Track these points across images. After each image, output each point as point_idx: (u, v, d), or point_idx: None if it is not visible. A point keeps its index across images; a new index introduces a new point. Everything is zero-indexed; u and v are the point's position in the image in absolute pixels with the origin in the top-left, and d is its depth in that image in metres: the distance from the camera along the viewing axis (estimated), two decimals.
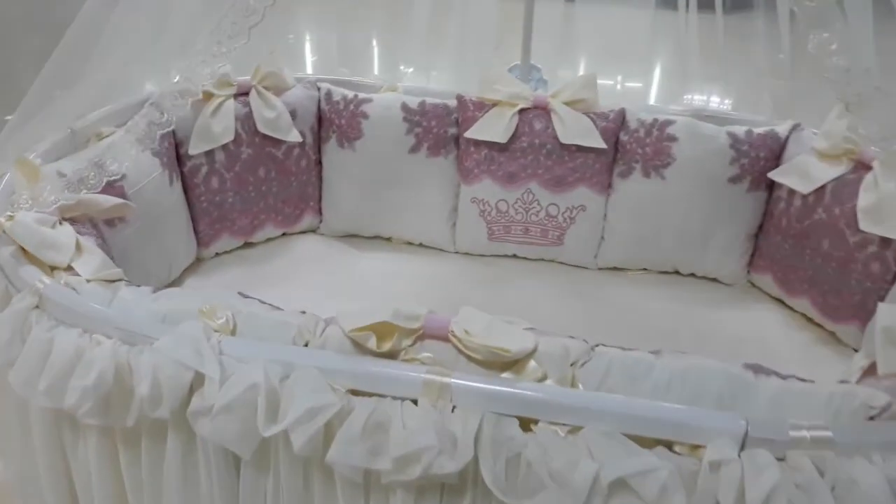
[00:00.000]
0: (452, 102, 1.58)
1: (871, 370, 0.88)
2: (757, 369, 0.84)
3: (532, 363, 0.82)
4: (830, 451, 0.74)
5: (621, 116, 1.53)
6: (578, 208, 1.56)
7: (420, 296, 1.53)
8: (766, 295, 1.56)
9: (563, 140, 1.50)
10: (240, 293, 0.93)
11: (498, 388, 0.78)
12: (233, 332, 0.85)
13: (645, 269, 1.63)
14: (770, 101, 1.49)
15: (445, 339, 0.84)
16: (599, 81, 1.57)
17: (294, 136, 1.57)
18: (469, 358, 0.83)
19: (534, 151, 1.53)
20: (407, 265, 1.64)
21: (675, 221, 1.54)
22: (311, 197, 1.67)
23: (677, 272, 1.62)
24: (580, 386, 0.83)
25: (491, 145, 1.54)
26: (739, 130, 1.48)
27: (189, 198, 1.49)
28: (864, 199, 1.29)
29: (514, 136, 1.53)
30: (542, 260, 1.65)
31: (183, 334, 0.80)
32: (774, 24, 1.33)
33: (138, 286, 0.95)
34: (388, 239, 1.70)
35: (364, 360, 0.81)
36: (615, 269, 1.64)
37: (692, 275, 1.62)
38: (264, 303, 0.92)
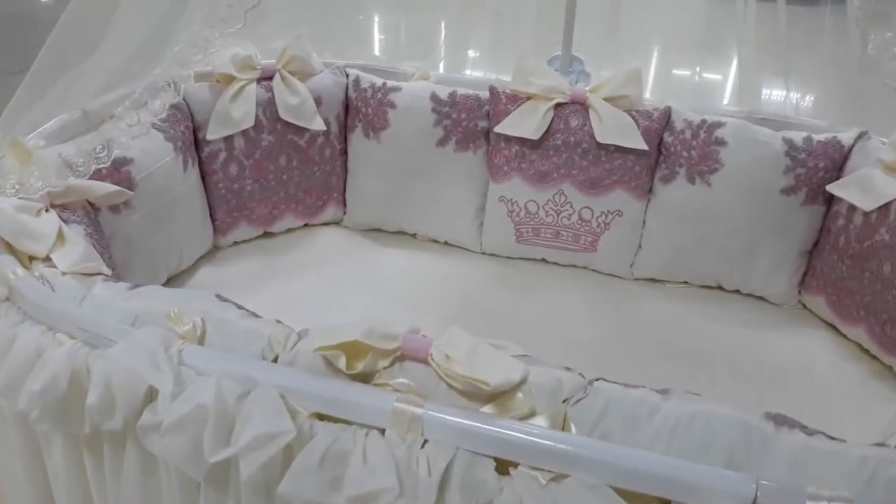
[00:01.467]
0: (485, 94, 1.49)
1: None
2: (779, 420, 0.73)
3: (519, 395, 0.73)
4: None
5: (666, 116, 1.40)
6: (614, 213, 1.45)
7: (441, 298, 1.45)
8: (818, 319, 1.42)
9: (601, 139, 1.39)
10: (217, 296, 0.87)
11: (474, 423, 0.70)
12: (200, 340, 0.79)
13: (685, 283, 1.50)
14: (836, 104, 1.33)
15: (426, 362, 0.76)
16: (675, 72, 1.45)
17: (318, 125, 1.50)
18: (450, 385, 0.75)
19: (568, 150, 1.42)
20: (430, 264, 1.56)
21: (721, 233, 1.41)
22: (335, 188, 1.61)
23: (720, 287, 1.49)
24: (572, 426, 0.74)
25: (522, 142, 1.44)
26: (797, 137, 1.34)
27: (206, 184, 1.45)
28: None
29: (548, 133, 1.42)
30: (574, 266, 1.55)
31: (140, 341, 0.74)
32: (843, 18, 1.18)
33: (117, 281, 0.90)
34: (413, 235, 1.63)
35: (329, 383, 0.73)
36: (652, 280, 1.52)
37: (737, 291, 1.49)
38: (241, 308, 0.85)
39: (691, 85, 1.65)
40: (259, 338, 0.79)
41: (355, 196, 1.61)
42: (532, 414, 0.73)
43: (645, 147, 1.38)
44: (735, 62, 1.59)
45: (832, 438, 0.72)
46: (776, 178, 1.34)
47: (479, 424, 0.69)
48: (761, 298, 1.47)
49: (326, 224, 1.65)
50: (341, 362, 0.74)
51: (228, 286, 1.44)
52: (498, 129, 1.44)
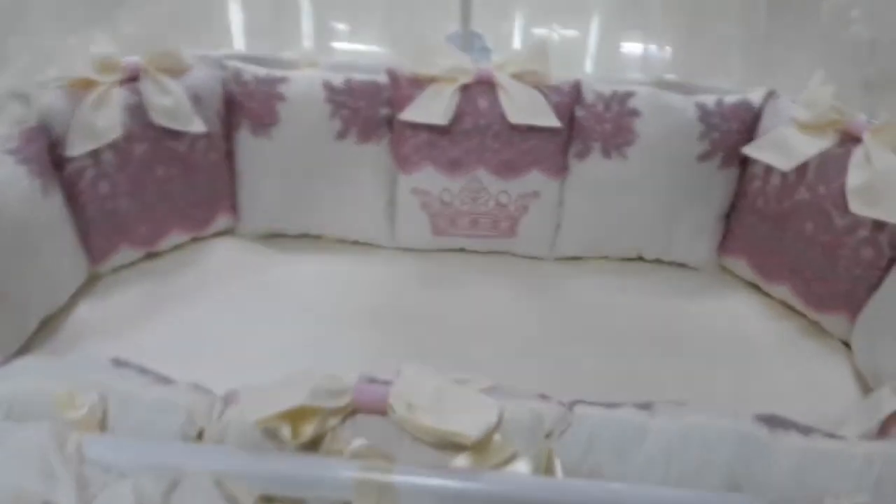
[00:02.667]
0: (383, 78, 1.36)
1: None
2: (772, 423, 0.68)
3: (497, 438, 0.64)
4: None
5: (576, 89, 1.34)
6: (531, 195, 1.38)
7: (359, 303, 1.33)
8: (740, 280, 1.41)
9: (513, 119, 1.31)
10: (114, 360, 0.72)
11: (458, 484, 0.60)
12: (101, 425, 0.64)
13: (606, 258, 1.46)
14: (742, 65, 1.31)
15: (384, 414, 0.65)
16: (535, 31, 1.37)
17: (197, 126, 1.33)
18: (415, 437, 0.64)
19: (480, 134, 1.33)
20: (341, 267, 1.43)
21: (640, 205, 1.37)
22: (224, 194, 1.44)
23: (641, 258, 1.46)
24: (557, 463, 0.66)
25: (431, 128, 1.33)
26: (709, 101, 1.31)
27: (74, 207, 1.25)
28: (855, 178, 1.14)
29: (457, 117, 1.32)
30: (494, 253, 1.47)
31: (23, 443, 0.59)
32: None
33: None
34: (318, 237, 1.49)
35: (274, 458, 0.61)
36: (574, 258, 1.47)
37: (657, 260, 1.46)
38: (146, 371, 0.71)
39: (591, 52, 1.60)
40: (174, 411, 0.66)
41: (248, 201, 1.45)
42: (513, 458, 0.64)
43: (559, 124, 1.31)
44: (630, 27, 1.54)
45: (831, 436, 0.68)
46: (692, 145, 1.31)
47: (465, 484, 0.60)
48: (682, 265, 1.46)
49: (218, 235, 1.48)
50: (285, 432, 0.62)
51: (114, 320, 1.26)
52: (403, 116, 1.33)
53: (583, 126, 1.34)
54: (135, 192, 1.31)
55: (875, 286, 1.16)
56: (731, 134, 1.30)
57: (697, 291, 1.40)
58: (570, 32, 1.73)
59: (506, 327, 1.29)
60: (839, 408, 1.14)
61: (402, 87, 1.34)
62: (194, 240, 1.45)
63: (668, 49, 1.73)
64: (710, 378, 1.19)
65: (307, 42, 1.83)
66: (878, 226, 1.13)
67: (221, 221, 1.46)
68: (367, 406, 0.65)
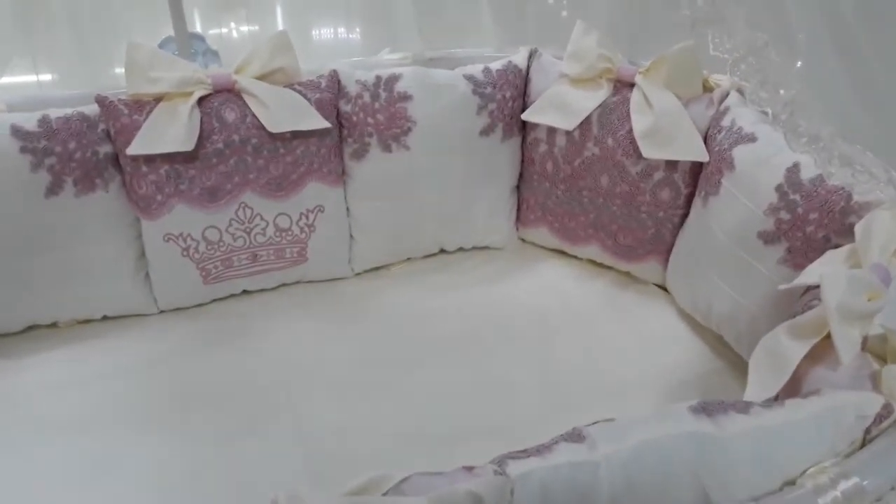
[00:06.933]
0: (93, 108, 1.07)
1: (812, 358, 0.68)
2: (708, 410, 0.59)
3: None
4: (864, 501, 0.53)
5: (335, 82, 1.17)
6: (315, 210, 1.19)
7: (132, 400, 1.04)
8: (544, 250, 1.37)
9: (272, 128, 1.10)
10: None
11: None
12: None
13: (409, 259, 1.33)
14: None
15: None
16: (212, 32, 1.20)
17: None
18: None
19: (236, 152, 1.10)
20: (92, 355, 1.12)
21: (432, 196, 1.26)
22: None
23: (444, 251, 1.36)
24: None
25: (172, 157, 1.07)
26: (476, 71, 1.23)
27: None
28: (640, 123, 1.12)
29: (203, 138, 1.08)
30: (285, 286, 1.26)
31: None
32: None
33: None
34: (53, 326, 1.16)
35: None
36: (376, 269, 1.31)
37: (460, 249, 1.37)
38: None
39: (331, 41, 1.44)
40: None
41: None
42: None
43: (326, 124, 1.13)
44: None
45: (767, 407, 0.60)
46: (472, 121, 1.22)
47: None
48: (484, 248, 1.38)
49: None
50: None
51: None
52: (131, 150, 1.05)
53: (353, 121, 1.17)
54: None
55: (679, 226, 1.16)
56: (506, 102, 1.23)
57: (507, 273, 1.32)
58: (253, 28, 1.54)
59: (328, 369, 1.09)
60: (677, 351, 1.13)
61: (121, 115, 1.06)
62: None
63: (358, 31, 1.61)
64: (553, 356, 1.12)
65: None
66: (671, 165, 1.13)
67: None
68: None
